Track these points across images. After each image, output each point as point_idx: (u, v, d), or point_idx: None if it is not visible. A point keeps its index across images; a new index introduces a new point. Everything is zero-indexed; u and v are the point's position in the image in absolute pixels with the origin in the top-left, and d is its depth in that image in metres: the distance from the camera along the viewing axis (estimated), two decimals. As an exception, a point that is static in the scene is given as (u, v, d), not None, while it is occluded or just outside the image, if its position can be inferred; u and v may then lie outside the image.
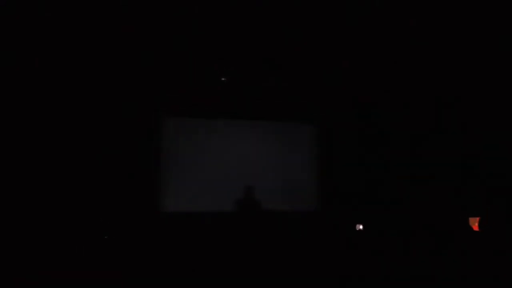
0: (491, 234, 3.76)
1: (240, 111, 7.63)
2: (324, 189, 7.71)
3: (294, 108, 7.77)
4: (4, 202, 5.87)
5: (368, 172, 7.66)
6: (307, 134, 8.02)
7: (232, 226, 6.03)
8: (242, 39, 5.86)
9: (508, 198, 5.72)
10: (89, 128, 6.80)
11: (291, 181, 7.64)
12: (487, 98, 6.51)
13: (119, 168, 6.81)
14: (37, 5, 4.90)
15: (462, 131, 6.93)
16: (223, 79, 6.87)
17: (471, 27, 5.46)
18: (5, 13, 4.97)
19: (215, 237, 6.03)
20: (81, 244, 5.27)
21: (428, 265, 4.40)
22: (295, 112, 7.84)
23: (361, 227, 6.28)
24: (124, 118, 7.02)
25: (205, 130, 7.57)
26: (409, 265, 4.49)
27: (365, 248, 5.53)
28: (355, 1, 5.01)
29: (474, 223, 4.88)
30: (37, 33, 5.46)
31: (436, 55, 6.22)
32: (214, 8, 5.11)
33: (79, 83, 6.62)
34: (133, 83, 6.87)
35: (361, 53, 6.24)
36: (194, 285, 4.16)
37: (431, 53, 6.17)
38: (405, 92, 7.26)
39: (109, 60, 6.21)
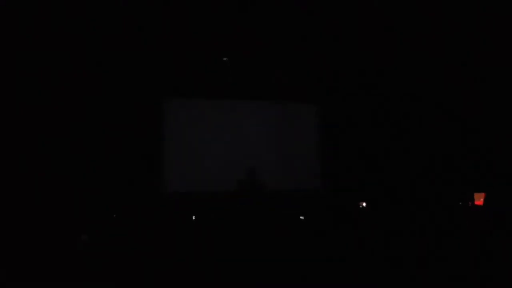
0: (495, 211, 3.80)
1: (243, 91, 7.58)
2: (326, 168, 7.74)
3: (297, 88, 7.73)
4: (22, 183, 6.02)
5: (370, 152, 7.66)
6: (309, 114, 8.00)
7: (234, 205, 6.07)
8: (244, 21, 5.82)
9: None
10: (93, 111, 6.81)
11: (293, 160, 7.67)
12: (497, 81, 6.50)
13: (123, 149, 6.84)
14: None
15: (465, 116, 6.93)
16: (224, 59, 6.82)
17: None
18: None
19: (217, 216, 6.08)
20: (90, 222, 5.36)
21: (428, 242, 4.46)
22: (297, 92, 7.80)
23: (364, 204, 6.33)
24: (128, 100, 7.01)
25: (208, 110, 7.54)
26: (409, 242, 4.55)
27: (366, 226, 5.60)
28: None
29: (479, 199, 4.93)
30: (51, 25, 5.50)
31: (438, 44, 6.22)
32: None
33: (86, 68, 6.63)
34: (137, 65, 6.83)
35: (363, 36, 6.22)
36: (197, 262, 4.23)
37: (433, 41, 6.17)
38: (409, 75, 7.23)
39: (115, 43, 6.19)
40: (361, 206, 6.41)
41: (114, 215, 6.06)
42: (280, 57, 6.90)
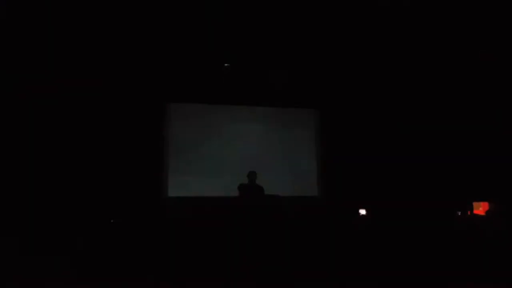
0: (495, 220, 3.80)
1: (243, 96, 7.61)
2: (326, 174, 7.74)
3: (296, 93, 7.75)
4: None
5: (369, 159, 7.67)
6: (309, 119, 8.04)
7: (233, 210, 6.06)
8: (245, 28, 5.86)
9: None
10: (93, 114, 6.82)
11: (292, 166, 7.69)
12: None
13: (123, 154, 6.84)
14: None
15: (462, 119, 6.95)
16: (226, 64, 6.85)
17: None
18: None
19: (216, 221, 6.06)
20: (89, 227, 5.33)
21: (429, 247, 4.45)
22: (297, 97, 7.83)
23: (363, 212, 6.31)
24: (129, 105, 7.03)
25: (208, 115, 7.58)
26: (407, 251, 4.55)
27: (365, 233, 5.58)
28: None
29: (479, 207, 4.92)
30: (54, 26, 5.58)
31: (439, 46, 6.24)
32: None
33: (88, 71, 6.65)
34: (138, 70, 6.84)
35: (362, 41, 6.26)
36: (197, 267, 4.22)
37: (434, 43, 6.19)
38: (409, 79, 7.25)
39: (116, 48, 6.23)
40: (360, 214, 6.39)
41: (112, 220, 6.01)
42: (280, 62, 6.93)
